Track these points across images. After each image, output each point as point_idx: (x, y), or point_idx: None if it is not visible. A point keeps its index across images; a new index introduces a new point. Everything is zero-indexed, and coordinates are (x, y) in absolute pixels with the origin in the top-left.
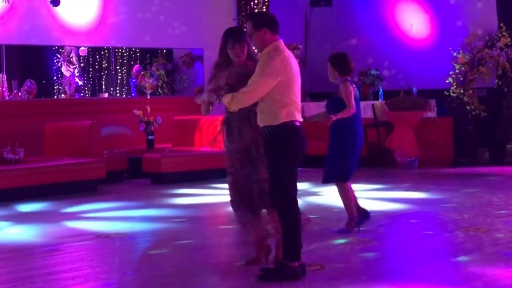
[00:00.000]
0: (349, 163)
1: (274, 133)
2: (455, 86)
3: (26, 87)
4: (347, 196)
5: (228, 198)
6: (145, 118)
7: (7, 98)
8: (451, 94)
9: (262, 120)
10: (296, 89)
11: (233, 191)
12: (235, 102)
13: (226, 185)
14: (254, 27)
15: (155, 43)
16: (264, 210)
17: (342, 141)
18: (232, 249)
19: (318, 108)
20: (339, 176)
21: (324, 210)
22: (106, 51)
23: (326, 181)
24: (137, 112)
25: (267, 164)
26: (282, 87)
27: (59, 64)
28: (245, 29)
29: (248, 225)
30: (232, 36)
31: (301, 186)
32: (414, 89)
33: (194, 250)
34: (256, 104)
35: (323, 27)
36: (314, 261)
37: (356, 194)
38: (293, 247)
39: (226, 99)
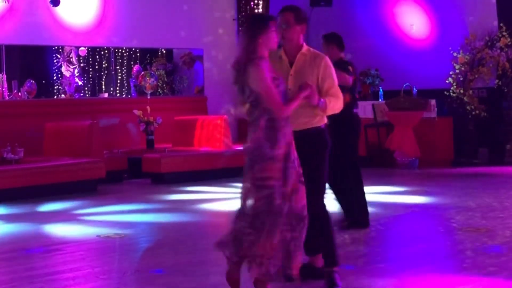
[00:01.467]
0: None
1: (319, 136)
2: (455, 86)
3: (26, 87)
4: None
5: (227, 196)
6: (145, 118)
7: (7, 98)
8: (451, 94)
9: (305, 123)
10: None
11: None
12: (334, 107)
13: (224, 185)
14: (295, 20)
15: (155, 43)
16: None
17: None
18: None
19: None
20: None
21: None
22: (106, 51)
23: None
24: (137, 112)
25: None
26: None
27: (59, 64)
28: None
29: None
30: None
31: None
32: (414, 89)
33: (194, 250)
34: None
35: (323, 27)
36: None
37: None
38: (335, 251)
39: (332, 104)
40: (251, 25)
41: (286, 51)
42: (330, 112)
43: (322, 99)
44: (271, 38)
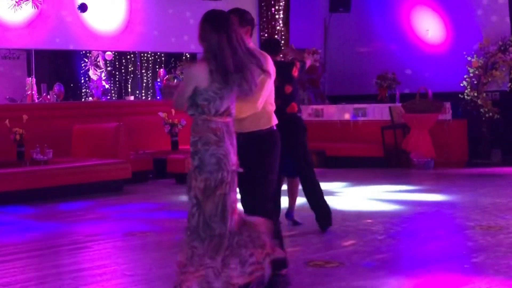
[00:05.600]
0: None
1: (268, 137)
2: (469, 89)
3: (55, 90)
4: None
5: None
6: (170, 120)
7: (36, 101)
8: (466, 97)
9: (255, 125)
10: None
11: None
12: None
13: None
14: (239, 22)
15: (180, 48)
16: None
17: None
18: None
19: (337, 110)
20: (290, 171)
21: (342, 209)
22: (132, 55)
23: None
24: (162, 114)
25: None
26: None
27: (86, 68)
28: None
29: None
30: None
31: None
32: (430, 92)
33: None
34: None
35: (341, 32)
36: (332, 258)
37: (374, 194)
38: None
39: None
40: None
41: None
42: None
43: None
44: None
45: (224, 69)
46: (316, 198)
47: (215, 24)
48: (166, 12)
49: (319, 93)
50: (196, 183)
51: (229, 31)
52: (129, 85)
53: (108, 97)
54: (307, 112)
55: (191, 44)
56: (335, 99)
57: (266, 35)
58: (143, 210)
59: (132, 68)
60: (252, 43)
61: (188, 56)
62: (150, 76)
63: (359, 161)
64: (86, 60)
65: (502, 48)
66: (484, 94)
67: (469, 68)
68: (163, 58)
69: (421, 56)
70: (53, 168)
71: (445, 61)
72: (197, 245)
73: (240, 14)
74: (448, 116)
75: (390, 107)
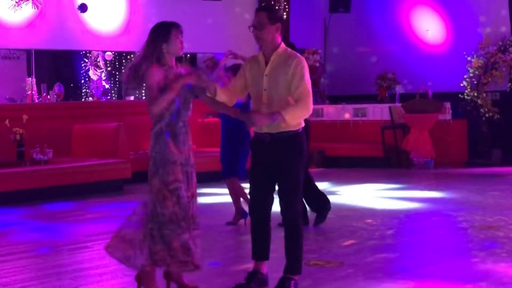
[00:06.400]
0: (241, 159)
1: (295, 139)
2: (469, 89)
3: (55, 90)
4: (236, 191)
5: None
6: None
7: (36, 101)
8: (466, 97)
9: (279, 126)
10: None
11: (177, 209)
12: (297, 113)
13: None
14: (269, 19)
15: None
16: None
17: (237, 137)
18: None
19: (337, 110)
20: (231, 171)
21: (342, 209)
22: (132, 55)
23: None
24: None
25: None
26: None
27: (86, 68)
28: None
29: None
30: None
31: (319, 185)
32: (430, 92)
33: (218, 247)
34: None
35: (341, 32)
36: (333, 258)
37: (374, 194)
38: (299, 262)
39: (293, 112)
40: (154, 33)
41: (263, 52)
42: (292, 121)
43: (274, 116)
44: (175, 45)
45: None
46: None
47: None
48: (166, 12)
49: (319, 93)
50: None
51: None
52: None
53: (108, 97)
54: None
55: (191, 44)
56: (335, 99)
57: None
58: None
59: None
60: (282, 42)
61: (188, 56)
62: None
63: (359, 161)
64: (86, 60)
65: (502, 48)
66: (484, 94)
67: (469, 68)
68: None
69: (421, 56)
70: (53, 168)
71: (445, 61)
72: None
73: (269, 10)
74: (448, 116)
75: (390, 107)
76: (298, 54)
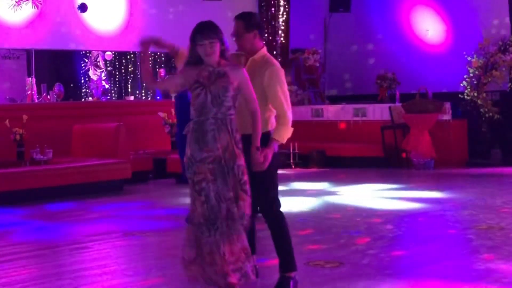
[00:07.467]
0: None
1: (266, 139)
2: (469, 89)
3: (55, 90)
4: None
5: None
6: (170, 120)
7: (36, 101)
8: (466, 97)
9: (246, 127)
10: None
11: (202, 210)
12: (287, 131)
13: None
14: (245, 28)
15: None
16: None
17: None
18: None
19: (337, 110)
20: None
21: (342, 209)
22: (132, 55)
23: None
24: (162, 114)
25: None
26: None
27: (86, 68)
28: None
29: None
30: (200, 32)
31: (319, 185)
32: (430, 92)
33: None
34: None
35: (341, 32)
36: (332, 258)
37: (374, 194)
38: (291, 258)
39: (284, 133)
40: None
41: (246, 57)
42: (286, 136)
43: (272, 146)
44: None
45: None
46: None
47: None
48: (166, 12)
49: (319, 93)
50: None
51: None
52: (129, 85)
53: (108, 97)
54: (307, 112)
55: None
56: (335, 99)
57: (266, 35)
58: (143, 210)
59: (132, 68)
60: (265, 47)
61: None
62: None
63: (359, 161)
64: (86, 60)
65: (502, 48)
66: (484, 94)
67: (469, 68)
68: (163, 58)
69: (421, 56)
70: (53, 168)
71: (445, 61)
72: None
73: (245, 18)
74: (448, 116)
75: (390, 107)
76: (275, 61)
